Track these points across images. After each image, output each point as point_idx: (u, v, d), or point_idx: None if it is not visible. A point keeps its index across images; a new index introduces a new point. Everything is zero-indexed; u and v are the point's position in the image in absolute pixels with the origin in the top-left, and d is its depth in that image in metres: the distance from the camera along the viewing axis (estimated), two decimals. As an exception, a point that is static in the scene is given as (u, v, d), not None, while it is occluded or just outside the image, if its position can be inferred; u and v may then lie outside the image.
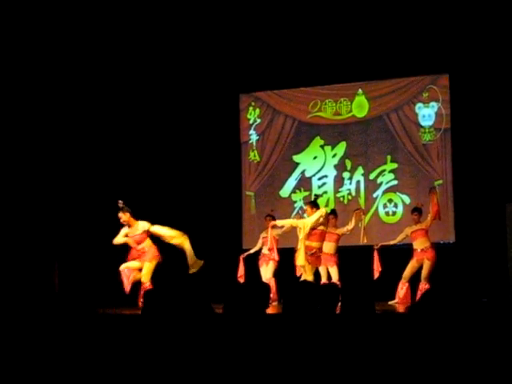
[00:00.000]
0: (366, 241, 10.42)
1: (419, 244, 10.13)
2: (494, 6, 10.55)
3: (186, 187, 12.15)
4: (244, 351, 3.21)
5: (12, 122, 11.23)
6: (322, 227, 9.73)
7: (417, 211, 10.31)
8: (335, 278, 10.24)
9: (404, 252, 10.29)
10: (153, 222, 10.01)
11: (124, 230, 9.94)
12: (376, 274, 10.17)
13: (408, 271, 10.19)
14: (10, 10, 10.60)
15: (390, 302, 10.13)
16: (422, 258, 10.08)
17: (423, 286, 9.80)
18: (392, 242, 10.44)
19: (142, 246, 9.93)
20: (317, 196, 10.52)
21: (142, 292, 9.59)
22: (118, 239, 9.95)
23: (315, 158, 12.21)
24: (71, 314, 3.38)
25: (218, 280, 10.30)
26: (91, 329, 3.41)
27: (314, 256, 9.67)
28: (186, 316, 3.46)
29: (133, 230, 9.91)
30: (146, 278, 9.88)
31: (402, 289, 10.21)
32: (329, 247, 10.31)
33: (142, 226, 9.92)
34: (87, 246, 11.38)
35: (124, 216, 9.82)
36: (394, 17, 11.04)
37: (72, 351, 3.23)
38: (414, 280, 10.15)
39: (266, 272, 10.65)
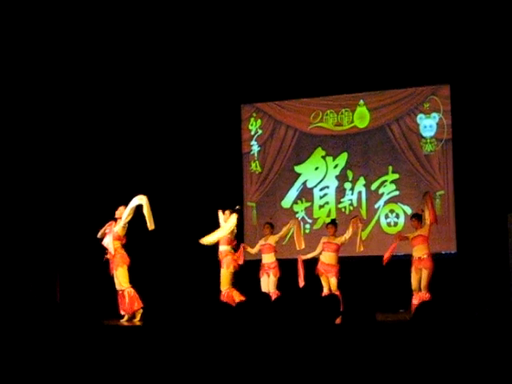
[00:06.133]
0: (362, 249, 10.35)
1: (418, 251, 9.97)
2: (493, 16, 10.58)
3: (187, 197, 12.16)
4: (246, 361, 3.21)
5: (13, 128, 11.24)
6: None
7: (416, 217, 10.20)
8: (334, 288, 10.16)
9: (404, 263, 10.22)
10: (154, 232, 10.02)
11: None
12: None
13: (413, 282, 10.01)
14: (10, 10, 10.62)
15: (401, 310, 10.08)
16: (419, 267, 9.94)
17: (423, 296, 9.72)
18: (391, 249, 10.25)
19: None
20: (238, 209, 10.81)
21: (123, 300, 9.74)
22: None
23: (317, 168, 12.22)
24: (72, 325, 3.38)
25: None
26: (93, 340, 3.41)
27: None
28: (186, 327, 3.46)
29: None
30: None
31: (416, 299, 9.98)
32: (329, 257, 10.27)
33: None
34: (89, 257, 11.36)
35: None
36: (395, 28, 11.08)
37: (73, 361, 3.23)
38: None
39: (268, 283, 10.61)
